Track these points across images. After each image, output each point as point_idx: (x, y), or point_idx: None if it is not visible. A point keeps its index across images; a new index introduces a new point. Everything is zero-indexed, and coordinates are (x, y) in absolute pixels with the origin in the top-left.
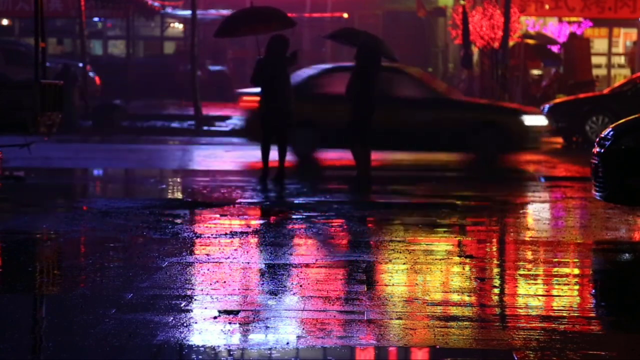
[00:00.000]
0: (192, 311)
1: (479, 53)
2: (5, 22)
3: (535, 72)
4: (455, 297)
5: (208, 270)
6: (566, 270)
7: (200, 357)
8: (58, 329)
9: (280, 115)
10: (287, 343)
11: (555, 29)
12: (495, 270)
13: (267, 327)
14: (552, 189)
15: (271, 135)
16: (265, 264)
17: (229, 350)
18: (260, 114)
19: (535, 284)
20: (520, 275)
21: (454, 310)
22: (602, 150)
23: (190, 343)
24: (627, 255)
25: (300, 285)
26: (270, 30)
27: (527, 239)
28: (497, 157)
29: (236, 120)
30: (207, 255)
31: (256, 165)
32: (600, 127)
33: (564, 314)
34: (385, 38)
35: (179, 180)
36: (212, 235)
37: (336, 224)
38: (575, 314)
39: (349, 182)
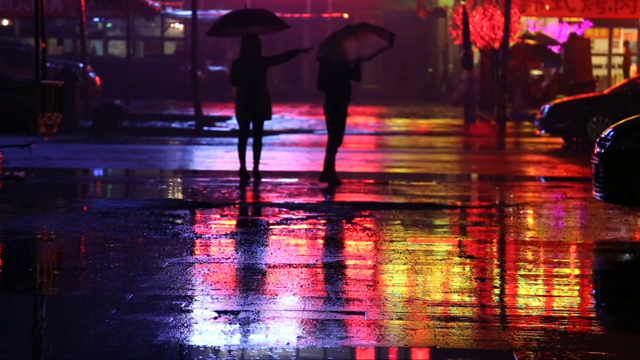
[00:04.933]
0: (192, 311)
1: (480, 53)
2: (5, 22)
3: (536, 72)
4: (455, 298)
5: (208, 270)
6: (566, 270)
7: (200, 357)
8: (58, 330)
9: (256, 114)
10: (288, 343)
11: (556, 29)
12: (496, 270)
13: (267, 328)
14: (552, 190)
15: (247, 133)
16: (266, 264)
17: (230, 351)
18: (236, 113)
19: (536, 284)
20: (521, 275)
21: (455, 311)
22: (603, 151)
23: (190, 343)
24: (627, 255)
25: (300, 285)
26: (262, 32)
27: (527, 239)
28: None
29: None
30: (208, 255)
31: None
32: (600, 128)
33: (565, 315)
34: None
35: (179, 180)
36: (212, 235)
37: (336, 224)
38: (576, 315)
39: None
